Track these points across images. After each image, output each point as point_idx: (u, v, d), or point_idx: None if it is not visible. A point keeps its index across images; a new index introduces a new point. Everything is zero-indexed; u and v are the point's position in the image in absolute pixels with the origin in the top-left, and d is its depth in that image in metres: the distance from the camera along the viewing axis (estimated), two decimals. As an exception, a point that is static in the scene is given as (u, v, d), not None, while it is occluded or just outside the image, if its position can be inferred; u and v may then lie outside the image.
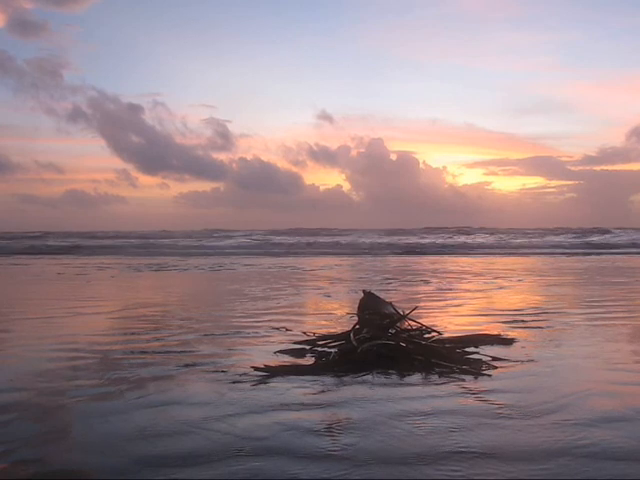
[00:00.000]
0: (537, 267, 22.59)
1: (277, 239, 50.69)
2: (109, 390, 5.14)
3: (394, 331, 6.49)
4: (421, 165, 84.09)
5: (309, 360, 6.13)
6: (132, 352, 6.69)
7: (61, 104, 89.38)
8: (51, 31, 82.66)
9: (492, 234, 52.81)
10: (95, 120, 70.93)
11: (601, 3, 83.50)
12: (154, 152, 68.88)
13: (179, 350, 6.76)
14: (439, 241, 47.70)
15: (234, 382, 5.29)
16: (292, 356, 6.35)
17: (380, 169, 76.90)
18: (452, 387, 5.12)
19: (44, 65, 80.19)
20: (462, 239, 48.84)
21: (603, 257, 30.05)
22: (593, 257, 30.16)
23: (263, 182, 76.01)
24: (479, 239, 48.66)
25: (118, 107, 69.93)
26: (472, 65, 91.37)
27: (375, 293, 7.90)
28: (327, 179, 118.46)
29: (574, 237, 47.18)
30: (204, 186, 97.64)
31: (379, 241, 48.24)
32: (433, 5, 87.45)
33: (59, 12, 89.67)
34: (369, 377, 5.43)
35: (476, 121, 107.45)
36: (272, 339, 7.33)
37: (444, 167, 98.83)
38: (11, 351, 7.12)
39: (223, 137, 75.47)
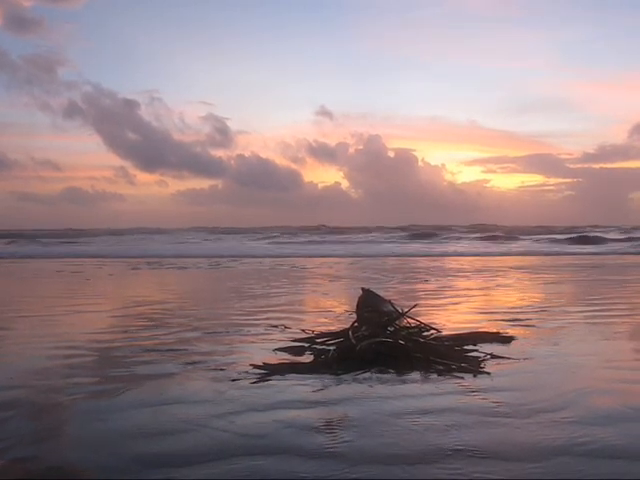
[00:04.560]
0: (536, 265, 22.59)
1: (276, 237, 50.66)
2: (107, 388, 5.13)
3: (393, 329, 6.48)
4: (420, 162, 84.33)
5: (308, 358, 6.12)
6: (131, 350, 6.68)
7: (57, 100, 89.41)
8: (48, 27, 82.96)
9: (491, 232, 52.79)
10: (91, 116, 71.02)
11: (601, 3, 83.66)
12: (152, 149, 68.94)
13: (178, 348, 6.75)
14: (438, 240, 47.68)
15: (233, 380, 5.28)
16: (291, 354, 6.34)
17: (378, 166, 77.06)
18: (451, 385, 5.11)
19: (39, 61, 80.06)
20: (461, 237, 48.86)
21: (602, 256, 30.06)
22: (592, 256, 30.16)
23: (262, 179, 76.08)
24: (477, 238, 48.64)
25: (114, 103, 69.96)
26: (472, 63, 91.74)
27: (374, 291, 7.90)
28: (326, 176, 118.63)
29: (573, 235, 47.15)
30: (202, 183, 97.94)
31: (377, 239, 48.22)
32: (433, 4, 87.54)
33: (56, 8, 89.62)
34: (368, 375, 5.42)
35: (475, 119, 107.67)
36: (271, 337, 7.33)
37: (443, 164, 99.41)
38: (10, 349, 7.12)
39: (221, 134, 75.50)
